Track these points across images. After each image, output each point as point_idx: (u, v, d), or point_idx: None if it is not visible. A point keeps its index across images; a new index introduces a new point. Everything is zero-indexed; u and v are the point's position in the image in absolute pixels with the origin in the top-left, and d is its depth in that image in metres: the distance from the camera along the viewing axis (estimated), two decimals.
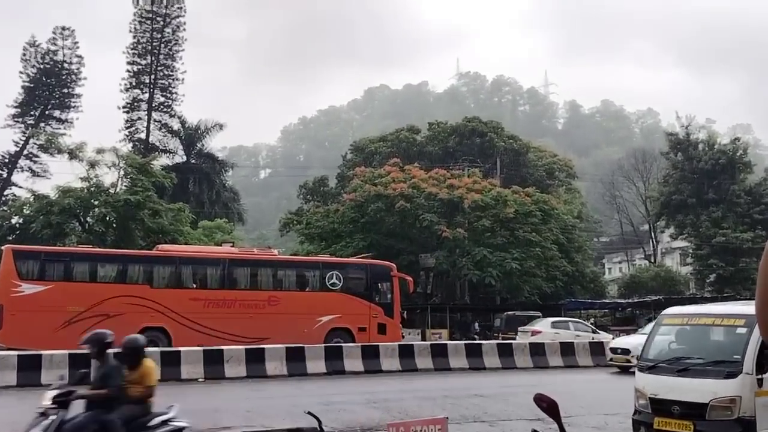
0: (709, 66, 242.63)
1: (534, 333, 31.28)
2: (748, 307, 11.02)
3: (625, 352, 23.10)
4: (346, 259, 35.23)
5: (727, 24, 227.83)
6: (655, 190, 63.41)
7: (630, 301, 50.26)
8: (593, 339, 29.61)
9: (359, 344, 24.38)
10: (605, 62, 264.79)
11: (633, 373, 22.23)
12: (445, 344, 26.34)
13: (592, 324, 38.37)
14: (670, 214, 58.56)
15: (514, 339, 30.78)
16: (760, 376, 9.53)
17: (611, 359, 23.71)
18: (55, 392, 7.91)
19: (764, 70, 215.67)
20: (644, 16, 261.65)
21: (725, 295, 46.50)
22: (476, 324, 44.60)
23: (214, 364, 20.76)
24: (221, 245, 34.85)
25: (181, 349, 21.29)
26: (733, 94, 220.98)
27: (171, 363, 20.22)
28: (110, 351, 8.42)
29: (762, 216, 53.59)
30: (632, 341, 23.53)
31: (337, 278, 28.71)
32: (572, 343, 27.15)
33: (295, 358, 21.99)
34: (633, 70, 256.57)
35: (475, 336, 39.88)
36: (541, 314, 38.67)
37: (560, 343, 26.83)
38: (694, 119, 59.32)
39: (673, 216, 58.14)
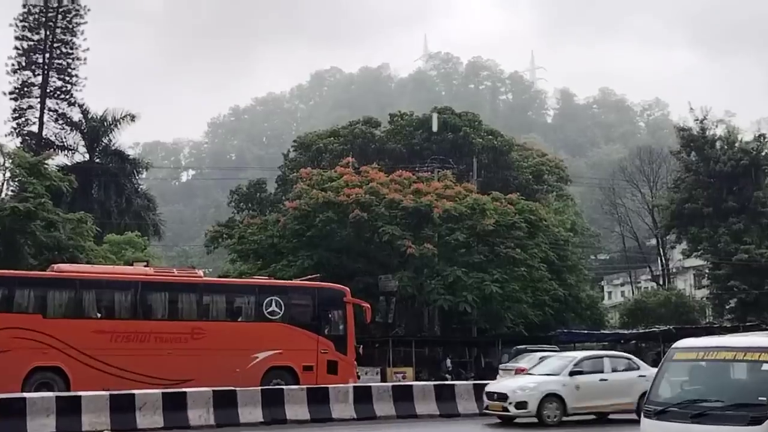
0: (728, 46, 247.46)
1: (518, 371, 31.44)
2: None
3: (502, 397, 22.48)
4: (288, 281, 35.07)
5: None
6: (664, 197, 64.13)
7: (634, 331, 50.66)
8: None
9: (304, 386, 24.25)
10: (603, 42, 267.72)
11: (517, 424, 22.20)
12: (411, 386, 26.22)
13: None
14: (681, 227, 59.14)
15: None
16: None
17: (487, 407, 23.04)
18: None
19: None
20: None
21: (748, 323, 47.12)
22: (448, 360, 44.62)
23: (123, 413, 20.48)
24: (133, 265, 34.50)
25: (82, 393, 20.94)
26: (756, 81, 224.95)
27: (69, 411, 19.93)
28: None
29: None
30: (510, 384, 23.48)
31: (277, 305, 28.56)
32: None
33: (225, 404, 21.81)
34: (636, 52, 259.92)
35: (447, 375, 39.96)
36: (558, 348, 38.76)
37: None
38: (711, 111, 60.02)
39: (686, 228, 58.72)
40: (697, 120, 59.00)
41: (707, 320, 57.91)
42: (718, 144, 57.59)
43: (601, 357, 25.03)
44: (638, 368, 23.83)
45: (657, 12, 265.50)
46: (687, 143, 58.74)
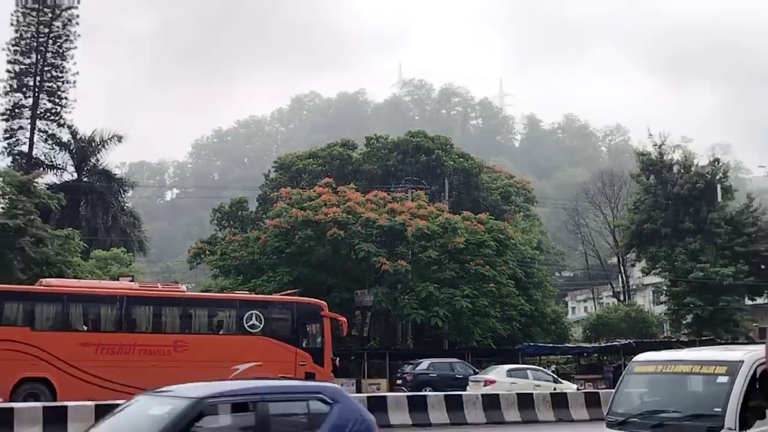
0: (685, 76, 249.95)
1: (487, 383, 31.45)
2: (731, 353, 11.26)
3: None
4: (268, 296, 34.97)
5: (706, 26, 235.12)
6: (624, 218, 64.35)
7: (596, 345, 50.97)
8: (555, 389, 29.93)
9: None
10: (567, 71, 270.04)
11: None
12: (385, 397, 26.20)
13: (553, 372, 38.73)
14: (641, 246, 59.45)
15: None
16: None
17: None
18: None
19: (747, 80, 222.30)
20: (611, 19, 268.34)
21: (704, 338, 47.48)
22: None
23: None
24: (118, 279, 34.31)
25: (68, 403, 20.73)
26: (712, 109, 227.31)
27: (56, 420, 19.72)
28: None
29: (745, 248, 54.42)
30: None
31: (257, 319, 28.50)
32: (531, 394, 27.36)
33: None
34: (599, 80, 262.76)
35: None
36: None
37: (517, 394, 27.03)
38: (669, 137, 60.29)
39: (645, 248, 59.03)
40: (656, 145, 59.32)
41: (665, 335, 58.23)
42: (675, 168, 57.94)
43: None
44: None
45: (618, 43, 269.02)
46: (646, 167, 59.08)
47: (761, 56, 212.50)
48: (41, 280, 30.65)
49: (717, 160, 61.08)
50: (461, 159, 62.57)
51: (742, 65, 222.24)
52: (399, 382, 38.09)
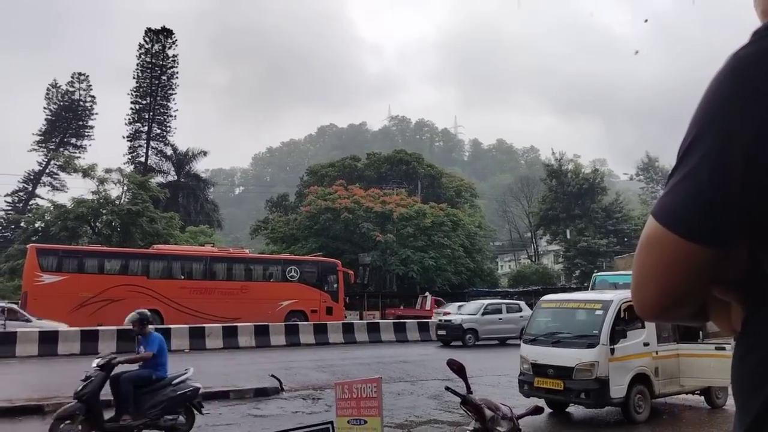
0: (575, 114, 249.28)
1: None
2: (604, 295, 11.36)
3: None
4: (301, 257, 34.99)
5: (588, 81, 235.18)
6: (535, 207, 64.59)
7: (517, 290, 50.93)
8: None
9: (311, 323, 24.24)
10: (499, 110, 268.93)
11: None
12: (378, 322, 26.38)
13: None
14: (546, 225, 59.74)
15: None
16: (612, 347, 9.82)
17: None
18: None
19: (613, 118, 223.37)
20: (525, 74, 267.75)
21: (585, 286, 47.68)
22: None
23: (197, 338, 20.39)
24: (204, 246, 34.31)
25: (171, 326, 20.83)
26: (592, 136, 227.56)
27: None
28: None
29: (614, 227, 54.91)
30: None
31: (294, 272, 28.52)
32: None
33: (262, 333, 21.76)
34: (519, 116, 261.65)
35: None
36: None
37: None
38: (565, 154, 60.64)
39: (549, 226, 59.35)
40: (557, 159, 59.67)
41: (562, 284, 58.45)
42: (569, 175, 58.16)
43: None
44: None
45: (531, 92, 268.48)
46: (550, 174, 59.29)
47: (624, 102, 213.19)
48: (153, 245, 30.62)
49: (596, 169, 61.91)
50: (429, 168, 62.66)
51: (612, 107, 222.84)
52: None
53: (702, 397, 11.45)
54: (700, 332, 10.96)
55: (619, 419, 10.32)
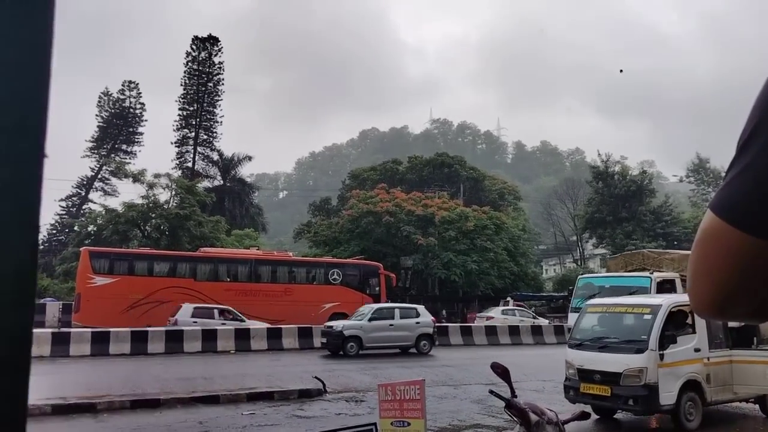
0: (622, 115, 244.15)
1: (488, 318, 31.29)
2: (653, 299, 11.10)
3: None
4: (344, 260, 35.16)
5: (634, 81, 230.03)
6: (581, 210, 63.61)
7: (561, 294, 50.18)
8: (534, 323, 29.70)
9: None
10: (543, 111, 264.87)
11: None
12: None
13: (532, 312, 38.35)
14: (592, 229, 58.75)
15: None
16: (661, 352, 9.58)
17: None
18: None
19: (662, 118, 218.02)
20: (571, 75, 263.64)
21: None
22: (444, 311, 44.38)
23: (242, 340, 20.69)
24: (249, 249, 34.79)
25: (218, 328, 21.19)
26: (640, 137, 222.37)
27: (210, 338, 20.15)
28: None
29: (663, 230, 53.56)
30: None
31: (337, 275, 28.70)
32: (518, 326, 27.22)
33: (305, 335, 21.95)
34: (565, 118, 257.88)
35: (443, 320, 39.81)
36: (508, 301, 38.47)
37: (509, 326, 26.89)
38: (611, 156, 59.50)
39: (595, 230, 58.33)
40: (603, 161, 58.69)
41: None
42: (616, 177, 57.12)
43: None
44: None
45: (576, 93, 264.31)
46: (596, 176, 58.29)
47: (674, 102, 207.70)
48: (200, 248, 31.21)
49: (644, 171, 60.56)
50: (471, 171, 62.36)
51: (660, 107, 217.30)
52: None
53: (757, 405, 11.06)
54: (755, 338, 10.61)
55: (669, 427, 10.05)
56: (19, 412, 0.60)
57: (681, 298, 10.49)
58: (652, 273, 16.50)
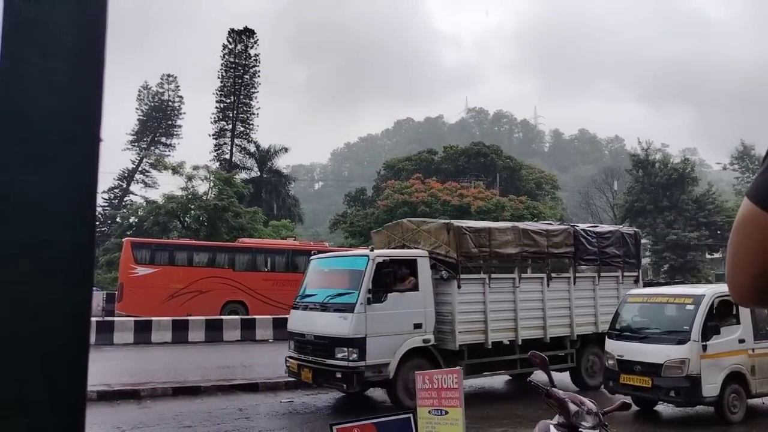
0: (663, 101, 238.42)
1: None
2: (696, 289, 10.87)
3: None
4: None
5: (676, 67, 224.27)
6: (620, 199, 62.51)
7: None
8: None
9: None
10: (581, 99, 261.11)
11: None
12: None
13: None
14: (632, 218, 57.63)
15: None
16: (704, 343, 9.41)
17: None
18: None
19: (705, 105, 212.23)
20: (610, 62, 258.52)
21: (675, 281, 45.70)
22: None
23: (280, 329, 20.88)
24: (286, 239, 35.10)
25: (256, 317, 21.51)
26: (682, 124, 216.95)
27: (248, 327, 20.48)
28: None
29: (705, 220, 52.43)
30: None
31: None
32: None
33: None
34: (603, 105, 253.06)
35: None
36: None
37: None
38: (652, 144, 58.39)
39: (635, 219, 57.16)
40: (643, 149, 57.56)
41: (649, 278, 56.23)
42: (657, 165, 56.00)
43: None
44: None
45: (616, 79, 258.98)
46: (636, 164, 57.21)
47: (717, 88, 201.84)
48: (239, 239, 31.63)
49: (686, 159, 59.29)
50: (508, 160, 61.74)
51: (703, 94, 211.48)
52: None
53: None
54: None
55: (712, 419, 9.86)
56: (81, 375, 0.64)
57: (725, 287, 10.24)
58: (371, 250, 11.75)
